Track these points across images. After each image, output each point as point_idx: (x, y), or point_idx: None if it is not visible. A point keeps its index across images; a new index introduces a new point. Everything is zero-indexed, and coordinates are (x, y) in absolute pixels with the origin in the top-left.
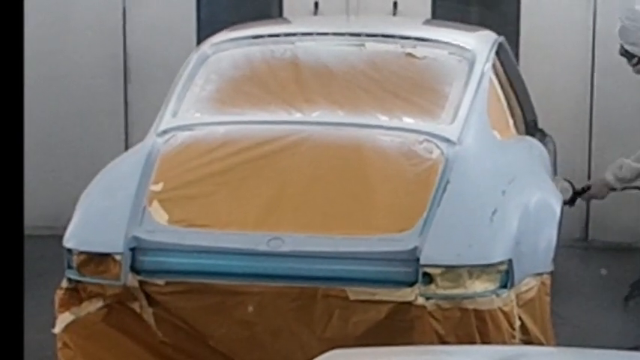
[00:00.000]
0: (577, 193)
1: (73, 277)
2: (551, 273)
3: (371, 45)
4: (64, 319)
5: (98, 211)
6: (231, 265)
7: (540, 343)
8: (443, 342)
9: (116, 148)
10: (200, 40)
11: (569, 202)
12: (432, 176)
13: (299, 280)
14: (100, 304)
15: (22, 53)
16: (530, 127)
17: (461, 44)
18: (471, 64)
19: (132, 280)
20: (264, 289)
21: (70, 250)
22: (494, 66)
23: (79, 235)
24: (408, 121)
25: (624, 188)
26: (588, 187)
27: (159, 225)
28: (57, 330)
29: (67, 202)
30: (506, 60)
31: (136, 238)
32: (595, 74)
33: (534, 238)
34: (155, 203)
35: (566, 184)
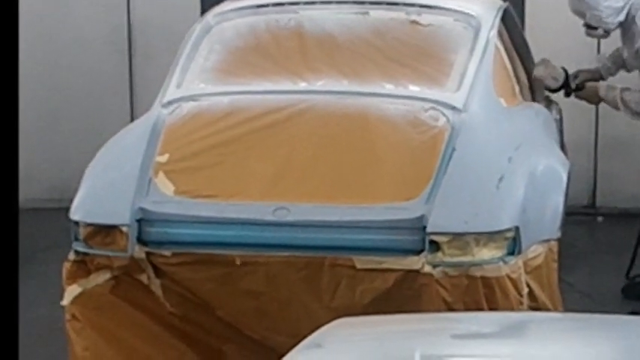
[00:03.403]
0: (567, 86)
1: (80, 249)
2: (559, 240)
3: (375, 13)
4: (72, 291)
5: (104, 183)
6: (238, 236)
7: (548, 310)
8: (450, 309)
9: (122, 121)
10: (204, 11)
11: (556, 90)
12: (437, 144)
13: (306, 249)
14: (107, 275)
15: (17, 31)
16: (537, 94)
17: (466, 11)
18: (477, 31)
19: (139, 252)
20: (270, 259)
21: (76, 223)
22: (499, 33)
23: (86, 207)
24: (414, 89)
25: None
26: (582, 87)
27: (165, 196)
28: (65, 302)
29: (74, 174)
30: (512, 26)
31: (142, 210)
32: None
33: (541, 205)
34: (161, 174)
35: (560, 71)
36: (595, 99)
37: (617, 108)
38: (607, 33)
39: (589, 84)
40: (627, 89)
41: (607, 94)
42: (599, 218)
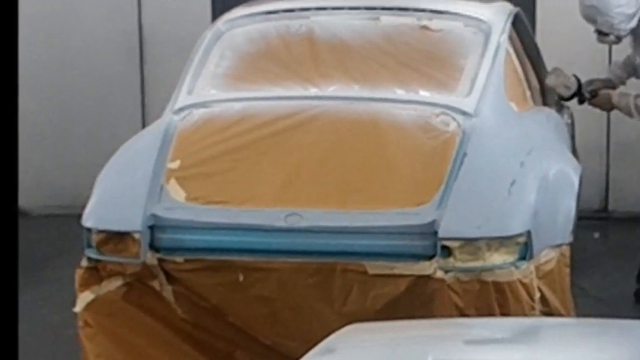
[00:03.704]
0: (580, 94)
1: (92, 255)
2: (571, 244)
3: (386, 18)
4: (84, 297)
5: (116, 190)
6: (250, 242)
7: (560, 315)
8: (462, 315)
9: (133, 126)
10: (215, 17)
11: (569, 98)
12: (449, 149)
13: (317, 255)
14: (119, 282)
15: (17, 32)
16: (548, 98)
17: (476, 16)
18: (487, 36)
19: (151, 258)
20: (282, 265)
21: (89, 229)
22: (510, 37)
23: (98, 213)
24: (424, 94)
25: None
26: (595, 94)
27: (177, 202)
28: (78, 309)
29: (86, 181)
30: (523, 31)
31: (154, 216)
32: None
33: (553, 209)
34: (172, 181)
35: (573, 80)
36: (608, 106)
37: (630, 115)
38: (618, 39)
39: (602, 91)
40: None
41: (620, 100)
42: (596, 234)
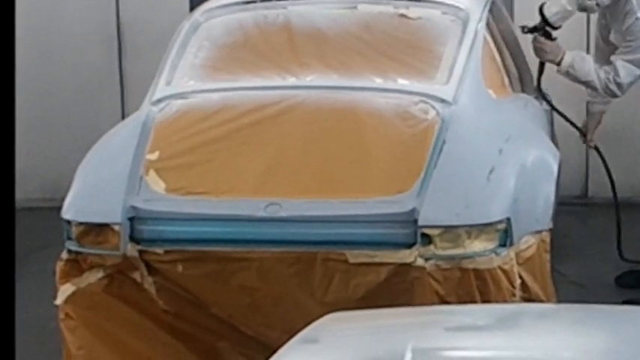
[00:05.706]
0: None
1: (72, 248)
2: (551, 230)
3: (363, 7)
4: (65, 290)
5: (95, 182)
6: (230, 232)
7: (541, 301)
8: (443, 302)
9: (113, 118)
10: (192, 8)
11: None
12: (428, 137)
13: (298, 244)
14: (100, 274)
15: (14, 27)
16: (526, 85)
17: (454, 4)
18: (465, 24)
19: (131, 250)
20: (263, 255)
21: (68, 222)
22: (488, 25)
23: (77, 206)
24: (403, 82)
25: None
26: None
27: (156, 194)
28: (59, 301)
29: (66, 173)
30: (501, 18)
31: (133, 208)
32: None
33: (532, 196)
34: (152, 172)
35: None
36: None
37: (579, 80)
38: (598, 6)
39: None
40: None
41: (573, 60)
42: None
